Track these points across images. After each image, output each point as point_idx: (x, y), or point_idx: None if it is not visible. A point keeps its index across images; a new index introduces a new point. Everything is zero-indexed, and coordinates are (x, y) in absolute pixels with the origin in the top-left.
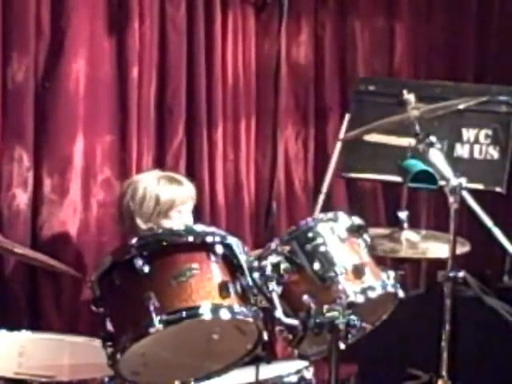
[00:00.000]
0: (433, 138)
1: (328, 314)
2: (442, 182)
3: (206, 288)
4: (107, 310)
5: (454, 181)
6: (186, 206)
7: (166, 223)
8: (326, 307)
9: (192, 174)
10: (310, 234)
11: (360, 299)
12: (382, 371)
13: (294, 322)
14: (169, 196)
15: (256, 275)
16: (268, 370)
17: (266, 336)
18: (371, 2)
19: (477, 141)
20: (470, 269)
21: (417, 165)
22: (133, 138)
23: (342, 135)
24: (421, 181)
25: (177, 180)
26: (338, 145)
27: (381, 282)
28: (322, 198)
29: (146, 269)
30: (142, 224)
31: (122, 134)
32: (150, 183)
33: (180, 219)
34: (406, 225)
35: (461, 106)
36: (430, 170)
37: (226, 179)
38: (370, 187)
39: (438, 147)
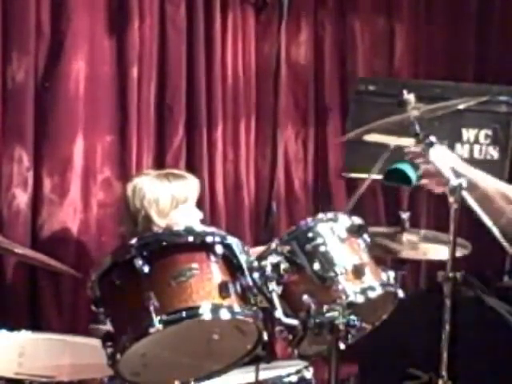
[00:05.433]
0: (433, 138)
1: (328, 314)
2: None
3: (205, 288)
4: (107, 310)
5: (454, 181)
6: (195, 197)
7: (177, 216)
8: (325, 307)
9: (192, 173)
10: (310, 234)
11: (360, 299)
12: (382, 371)
13: (294, 322)
14: (182, 190)
15: (256, 275)
16: (268, 370)
17: (265, 336)
18: (371, 2)
19: (477, 141)
20: (470, 269)
21: (399, 165)
22: (133, 138)
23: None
24: (397, 180)
25: (182, 175)
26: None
27: (381, 282)
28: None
29: (146, 269)
30: (159, 221)
31: (122, 134)
32: (159, 181)
33: (189, 210)
34: (406, 225)
35: (461, 106)
36: (403, 168)
37: (226, 179)
38: (370, 187)
39: (438, 147)
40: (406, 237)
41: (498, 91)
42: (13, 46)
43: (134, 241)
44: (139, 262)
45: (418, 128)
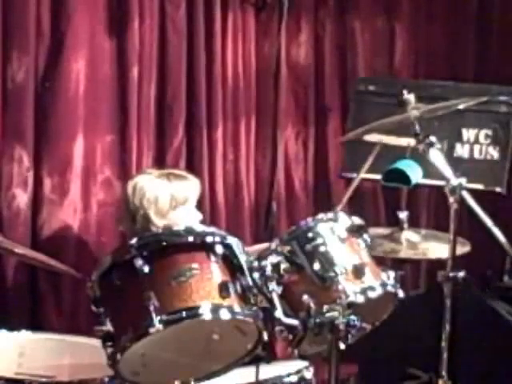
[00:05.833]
0: (433, 138)
1: (328, 314)
2: (441, 182)
3: (205, 288)
4: (107, 310)
5: (454, 181)
6: (195, 198)
7: (176, 217)
8: (325, 307)
9: (192, 173)
10: (310, 234)
11: (360, 299)
12: (382, 371)
13: (294, 322)
14: (181, 191)
15: (256, 275)
16: (268, 370)
17: (266, 336)
18: (371, 2)
19: (477, 141)
20: (470, 269)
21: (398, 165)
22: (133, 138)
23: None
24: (396, 180)
25: (183, 176)
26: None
27: (381, 282)
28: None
29: (146, 269)
30: (157, 221)
31: (122, 134)
32: (159, 181)
33: (188, 211)
34: (406, 225)
35: (461, 106)
36: (403, 168)
37: (226, 179)
38: (370, 187)
39: (438, 147)
40: (405, 236)
41: (498, 91)
42: (13, 45)
43: (134, 241)
44: (139, 262)
45: (418, 128)
